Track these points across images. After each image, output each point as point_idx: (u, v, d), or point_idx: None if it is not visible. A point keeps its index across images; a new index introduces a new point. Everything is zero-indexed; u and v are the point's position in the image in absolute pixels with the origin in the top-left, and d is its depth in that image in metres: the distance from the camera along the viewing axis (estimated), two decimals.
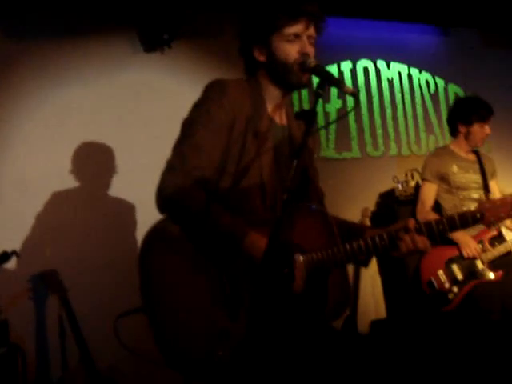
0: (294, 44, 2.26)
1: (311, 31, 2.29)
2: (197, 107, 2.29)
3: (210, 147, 2.20)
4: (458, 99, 4.93)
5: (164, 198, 2.17)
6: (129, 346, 2.31)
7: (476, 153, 4.57)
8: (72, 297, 3.92)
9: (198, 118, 2.25)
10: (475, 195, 4.36)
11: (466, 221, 2.21)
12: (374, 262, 5.41)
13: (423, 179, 4.55)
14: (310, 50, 2.27)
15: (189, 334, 2.08)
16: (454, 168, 4.41)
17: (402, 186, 5.31)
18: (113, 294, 4.19)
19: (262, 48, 2.32)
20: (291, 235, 2.13)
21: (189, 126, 2.25)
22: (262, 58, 2.33)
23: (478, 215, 2.23)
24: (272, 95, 2.38)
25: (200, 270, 2.12)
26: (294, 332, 2.14)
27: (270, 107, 2.38)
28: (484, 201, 2.33)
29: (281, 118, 2.44)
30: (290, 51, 2.25)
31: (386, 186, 5.52)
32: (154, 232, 2.18)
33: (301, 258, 2.12)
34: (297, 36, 2.26)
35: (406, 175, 5.52)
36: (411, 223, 2.15)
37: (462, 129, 4.50)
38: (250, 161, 2.25)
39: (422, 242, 2.15)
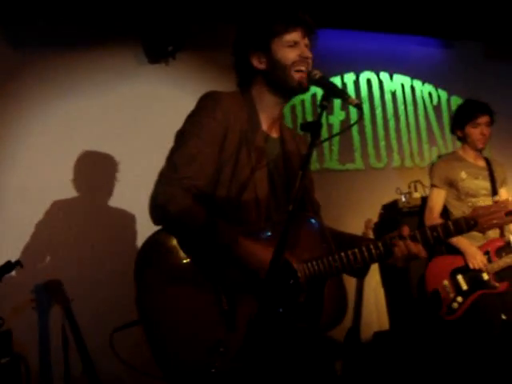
0: (294, 48, 2.28)
1: (307, 41, 2.32)
2: (190, 118, 2.29)
3: (202, 157, 2.20)
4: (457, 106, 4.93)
5: (155, 207, 2.17)
6: (126, 359, 2.30)
7: (486, 159, 4.55)
8: (75, 307, 3.92)
9: (190, 128, 2.25)
10: (484, 202, 4.29)
11: (460, 227, 2.21)
12: (376, 274, 5.41)
13: (432, 185, 4.51)
14: (310, 55, 2.30)
15: (185, 347, 2.07)
16: (463, 174, 4.37)
17: (405, 197, 5.32)
18: (115, 305, 4.18)
19: (260, 55, 2.32)
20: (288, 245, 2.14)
21: (182, 136, 2.26)
22: (261, 66, 2.33)
23: (472, 222, 2.22)
24: (267, 106, 2.38)
25: (195, 281, 2.12)
26: (290, 342, 2.14)
27: (264, 120, 2.38)
28: (478, 207, 2.32)
29: (275, 131, 2.44)
30: (290, 54, 2.28)
31: (389, 197, 5.52)
32: (149, 244, 2.18)
33: (296, 267, 2.13)
34: (296, 43, 2.29)
35: (409, 187, 5.53)
36: (405, 230, 2.16)
37: (460, 134, 4.52)
38: (245, 175, 2.25)
39: (415, 247, 2.14)
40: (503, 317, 4.19)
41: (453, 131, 4.65)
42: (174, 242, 2.16)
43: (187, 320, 2.09)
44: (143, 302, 2.14)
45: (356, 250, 2.17)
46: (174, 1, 4.66)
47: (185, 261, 2.15)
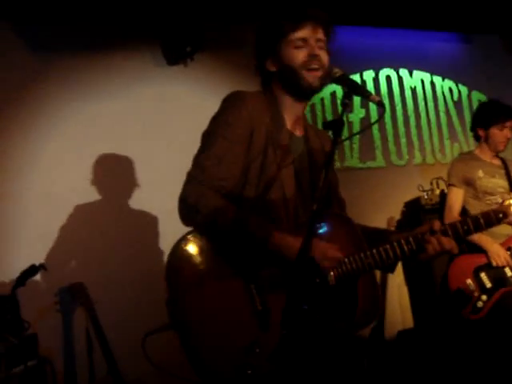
0: (302, 49, 2.26)
1: (319, 35, 2.29)
2: (215, 119, 2.29)
3: (230, 158, 2.20)
4: (479, 104, 4.90)
5: (185, 208, 2.17)
6: (157, 363, 2.30)
7: (501, 159, 4.52)
8: (99, 309, 3.93)
9: (217, 129, 2.25)
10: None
11: (490, 220, 2.21)
12: (400, 272, 5.38)
13: (449, 184, 4.49)
14: (320, 53, 2.27)
15: (221, 349, 2.07)
16: (480, 173, 4.35)
17: (428, 194, 5.29)
18: (139, 307, 4.21)
19: (272, 58, 2.32)
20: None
21: (208, 137, 2.26)
22: (273, 68, 2.34)
23: (501, 215, 2.22)
24: (288, 105, 2.37)
25: (227, 282, 2.12)
26: (324, 340, 2.14)
27: (287, 119, 2.37)
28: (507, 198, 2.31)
29: (299, 129, 2.43)
30: (298, 56, 2.26)
31: (411, 194, 5.49)
32: (179, 247, 2.17)
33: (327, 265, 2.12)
34: (304, 41, 2.26)
35: (431, 183, 5.50)
36: (436, 225, 2.15)
37: (482, 133, 4.47)
38: (272, 174, 2.25)
39: (448, 243, 2.13)
40: None
41: (473, 129, 4.60)
42: (205, 243, 2.17)
43: (221, 322, 2.09)
44: (176, 305, 2.13)
45: (388, 246, 2.17)
46: (191, 2, 4.67)
47: (216, 262, 2.15)
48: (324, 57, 2.27)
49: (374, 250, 2.16)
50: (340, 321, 2.12)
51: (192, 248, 2.17)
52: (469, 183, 4.36)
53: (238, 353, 2.04)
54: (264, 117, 2.29)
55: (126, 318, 4.19)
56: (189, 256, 2.16)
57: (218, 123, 2.27)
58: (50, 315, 4.08)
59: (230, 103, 2.28)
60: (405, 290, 5.46)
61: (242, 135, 2.23)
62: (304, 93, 2.36)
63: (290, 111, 2.38)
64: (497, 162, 4.48)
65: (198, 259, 2.16)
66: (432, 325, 4.97)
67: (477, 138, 4.57)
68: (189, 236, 2.18)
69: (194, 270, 2.14)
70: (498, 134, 4.38)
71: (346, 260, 2.14)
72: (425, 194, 5.28)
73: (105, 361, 3.76)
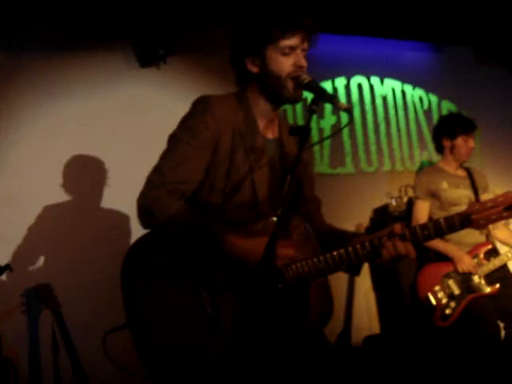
0: (289, 57, 2.24)
1: (306, 45, 2.28)
2: (182, 123, 2.30)
3: (190, 163, 2.21)
4: (441, 118, 4.96)
5: (140, 211, 2.20)
6: (119, 362, 2.30)
7: (467, 169, 4.57)
8: (65, 311, 3.89)
9: (181, 134, 2.26)
10: None
11: (452, 224, 2.09)
12: (367, 278, 5.41)
13: (415, 197, 4.55)
14: (305, 64, 2.26)
15: (170, 349, 2.09)
16: (444, 184, 4.40)
17: (396, 201, 5.33)
18: (107, 309, 4.15)
19: (255, 59, 2.29)
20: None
21: (172, 141, 2.27)
22: (255, 70, 2.30)
23: (466, 218, 2.09)
24: (262, 109, 2.36)
25: (180, 284, 2.14)
26: (275, 342, 2.13)
27: (260, 121, 2.36)
28: (474, 202, 2.17)
29: (273, 132, 2.42)
30: (285, 64, 2.24)
31: (379, 201, 5.54)
32: (135, 247, 2.21)
33: (280, 268, 2.13)
34: (292, 49, 2.24)
35: (400, 191, 5.54)
36: (397, 228, 2.10)
37: (447, 143, 4.51)
38: (242, 177, 2.25)
39: (403, 247, 2.07)
40: (500, 323, 4.22)
41: (437, 139, 4.63)
42: (160, 244, 2.19)
43: (172, 323, 2.11)
44: (129, 304, 2.16)
45: (342, 251, 2.14)
46: (165, 5, 4.66)
47: (170, 264, 2.16)
48: (306, 66, 2.26)
49: (328, 255, 2.14)
50: (291, 322, 2.12)
51: (147, 249, 2.20)
52: (434, 195, 4.42)
53: (188, 355, 2.06)
54: (233, 120, 2.28)
55: (93, 319, 4.16)
56: (143, 257, 2.19)
57: (183, 128, 2.27)
58: (15, 316, 4.03)
59: (197, 108, 2.28)
60: (372, 296, 5.50)
61: (205, 142, 2.23)
62: (284, 102, 2.37)
63: (263, 114, 2.37)
64: (461, 172, 4.54)
65: (152, 261, 2.18)
66: (398, 331, 5.00)
67: (439, 149, 4.61)
68: (145, 238, 2.21)
69: (148, 271, 2.17)
70: (463, 144, 4.43)
71: (299, 264, 2.14)
72: (393, 200, 5.33)
73: (70, 363, 3.73)
